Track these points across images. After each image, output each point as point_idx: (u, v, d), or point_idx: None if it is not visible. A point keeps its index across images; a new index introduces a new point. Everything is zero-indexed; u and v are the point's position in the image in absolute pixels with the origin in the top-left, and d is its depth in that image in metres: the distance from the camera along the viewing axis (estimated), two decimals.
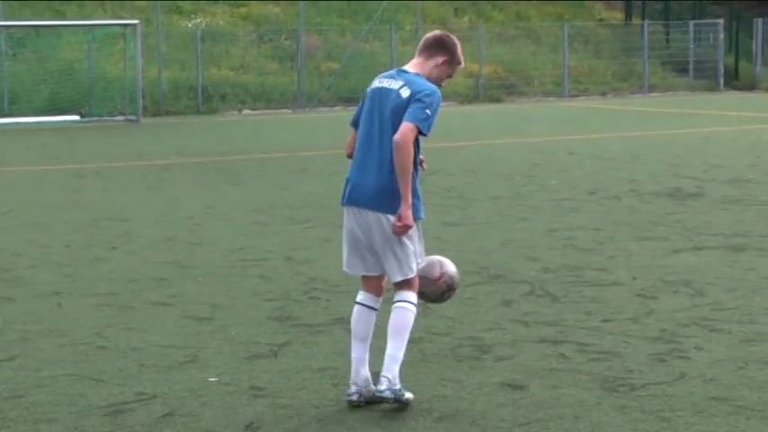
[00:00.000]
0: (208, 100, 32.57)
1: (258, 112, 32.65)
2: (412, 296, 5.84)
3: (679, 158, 17.83)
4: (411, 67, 5.89)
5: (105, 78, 31.26)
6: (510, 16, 42.46)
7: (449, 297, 6.10)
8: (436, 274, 5.99)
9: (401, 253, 5.77)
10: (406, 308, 5.82)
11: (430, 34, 5.97)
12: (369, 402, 5.80)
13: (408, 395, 5.79)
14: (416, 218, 5.82)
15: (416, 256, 5.85)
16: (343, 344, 7.04)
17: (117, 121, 29.57)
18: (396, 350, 5.77)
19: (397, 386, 5.73)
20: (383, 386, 5.71)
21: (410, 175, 5.70)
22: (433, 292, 6.01)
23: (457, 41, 5.94)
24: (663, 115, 28.67)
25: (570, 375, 6.27)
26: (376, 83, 5.93)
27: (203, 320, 7.76)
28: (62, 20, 33.30)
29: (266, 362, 6.68)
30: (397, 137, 5.64)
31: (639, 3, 43.71)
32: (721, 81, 40.41)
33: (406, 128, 5.64)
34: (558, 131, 23.91)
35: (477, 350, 6.85)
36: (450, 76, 5.93)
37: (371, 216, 5.78)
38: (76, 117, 29.55)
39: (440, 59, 5.85)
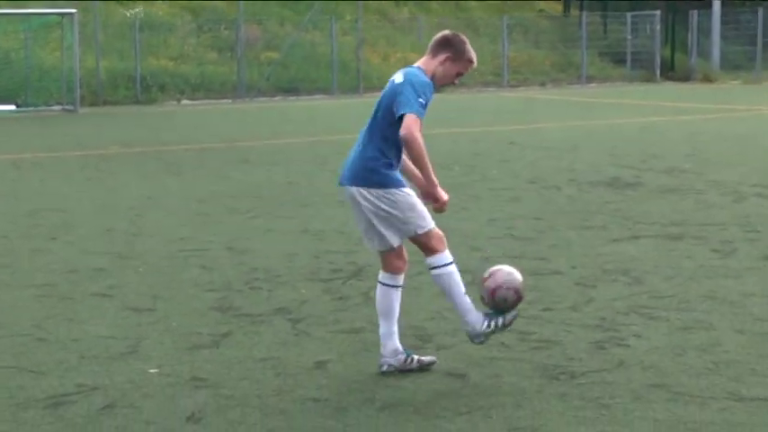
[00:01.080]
0: (146, 90, 32.33)
1: (197, 102, 32.47)
2: (435, 259, 6.07)
3: (617, 148, 18.00)
4: (418, 63, 6.15)
5: (42, 68, 30.93)
6: (450, 7, 42.61)
7: (505, 300, 6.06)
8: (484, 276, 6.14)
9: (387, 222, 6.03)
10: (436, 273, 6.08)
11: (439, 34, 6.21)
12: (401, 371, 6.13)
13: (427, 358, 6.21)
14: (400, 186, 6.04)
15: (415, 220, 6.04)
16: (285, 334, 7.05)
17: (54, 110, 29.27)
18: (456, 307, 6.11)
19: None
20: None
21: (425, 161, 5.96)
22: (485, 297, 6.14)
23: (464, 40, 6.15)
24: (601, 105, 28.93)
25: (511, 364, 6.32)
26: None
27: (144, 311, 7.71)
28: None
29: (208, 352, 6.66)
30: (402, 132, 5.83)
31: None
32: (658, 72, 40.88)
33: (409, 120, 5.82)
34: (497, 121, 24.05)
35: (419, 339, 6.88)
36: (459, 74, 6.14)
37: (350, 191, 6.07)
38: (12, 107, 29.19)
39: (443, 57, 6.08)
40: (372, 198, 5.99)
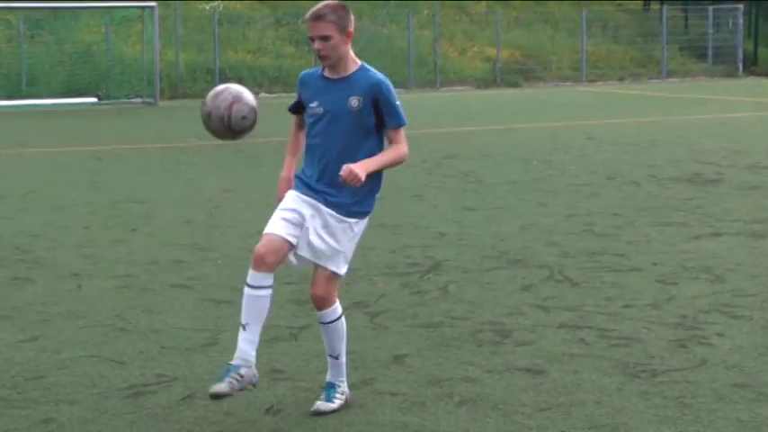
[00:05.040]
0: (225, 83, 32.55)
1: (275, 95, 32.64)
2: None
3: (698, 144, 17.75)
4: None
5: (123, 61, 31.33)
6: (528, 1, 42.31)
7: (244, 118, 5.47)
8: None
9: None
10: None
11: None
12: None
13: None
14: None
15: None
16: (363, 328, 7.05)
17: (134, 103, 29.63)
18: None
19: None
20: None
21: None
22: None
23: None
24: (681, 101, 28.55)
25: (591, 361, 6.25)
26: None
27: (223, 303, 7.76)
28: (80, 2, 33.30)
29: (286, 345, 6.68)
30: None
31: None
32: (740, 67, 40.22)
33: None
34: (575, 116, 23.85)
35: (498, 335, 6.83)
36: (311, 38, 5.47)
37: None
38: (94, 99, 29.61)
39: None
40: None
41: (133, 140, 19.85)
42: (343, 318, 5.62)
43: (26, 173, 15.43)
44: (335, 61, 5.42)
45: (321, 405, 5.54)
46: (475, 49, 37.84)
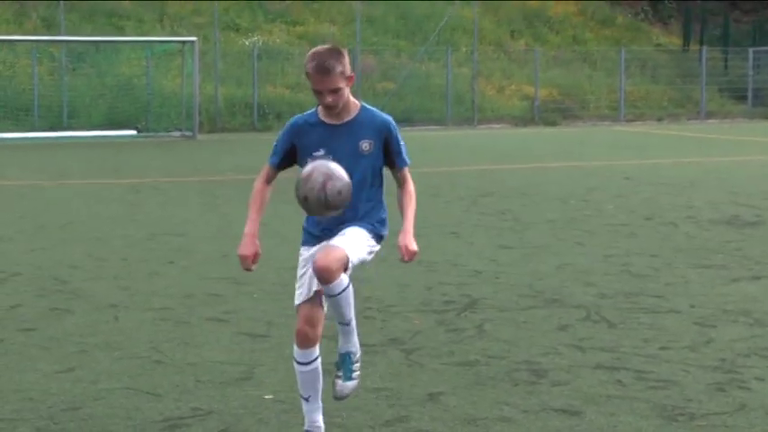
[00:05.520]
0: (263, 117, 32.78)
1: None
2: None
3: (737, 186, 17.65)
4: None
5: (162, 94, 31.62)
6: (566, 40, 42.38)
7: (340, 193, 5.17)
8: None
9: None
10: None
11: None
12: None
13: None
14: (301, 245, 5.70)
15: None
16: (399, 364, 7.03)
17: (173, 136, 29.87)
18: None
19: None
20: None
21: (249, 209, 5.92)
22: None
23: (311, 53, 5.37)
24: (720, 142, 28.43)
25: (627, 403, 6.20)
26: None
27: (258, 337, 7.77)
28: (121, 36, 33.69)
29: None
30: None
31: (698, 28, 43.45)
32: None
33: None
34: (613, 156, 23.79)
35: (533, 374, 6.79)
36: (317, 92, 5.36)
37: None
38: (133, 132, 29.87)
39: None
40: None
41: (171, 173, 19.97)
42: (350, 285, 5.30)
43: (66, 204, 15.56)
44: (342, 107, 5.35)
45: (343, 387, 5.52)
46: (513, 87, 37.89)
